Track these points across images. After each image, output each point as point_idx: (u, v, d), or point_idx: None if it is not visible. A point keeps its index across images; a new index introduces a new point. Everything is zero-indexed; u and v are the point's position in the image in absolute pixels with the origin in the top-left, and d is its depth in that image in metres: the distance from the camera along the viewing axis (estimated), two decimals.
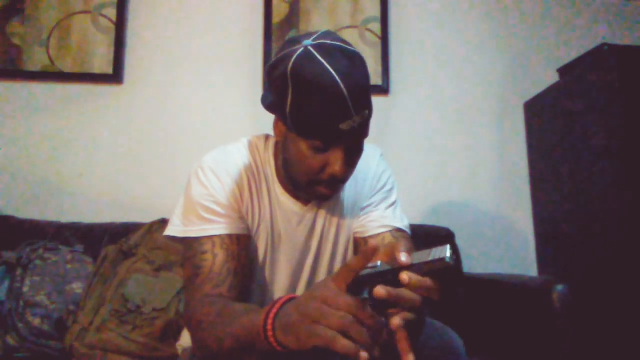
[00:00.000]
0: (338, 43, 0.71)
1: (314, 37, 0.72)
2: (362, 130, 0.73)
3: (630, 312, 1.33)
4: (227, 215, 0.80)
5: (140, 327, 1.22)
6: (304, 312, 0.50)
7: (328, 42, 0.70)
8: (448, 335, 0.74)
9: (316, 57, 0.68)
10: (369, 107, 0.72)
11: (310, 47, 0.69)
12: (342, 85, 0.66)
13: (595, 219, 1.49)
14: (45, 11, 1.76)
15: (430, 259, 0.48)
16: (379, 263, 0.52)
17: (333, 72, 0.67)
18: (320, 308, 0.48)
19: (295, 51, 0.70)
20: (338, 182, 0.77)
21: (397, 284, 0.49)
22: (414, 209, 1.80)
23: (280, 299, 0.57)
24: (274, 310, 0.55)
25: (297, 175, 0.79)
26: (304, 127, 0.72)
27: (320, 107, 0.68)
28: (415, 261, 0.49)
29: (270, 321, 0.54)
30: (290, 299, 0.56)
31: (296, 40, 0.72)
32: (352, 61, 0.70)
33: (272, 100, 0.76)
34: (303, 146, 0.74)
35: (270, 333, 0.54)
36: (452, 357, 0.71)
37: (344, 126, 0.69)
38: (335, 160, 0.73)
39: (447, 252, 0.48)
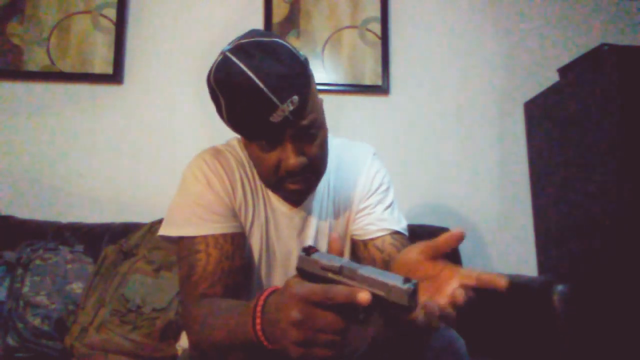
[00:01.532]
0: (255, 39, 0.70)
1: (233, 40, 0.72)
2: (298, 117, 0.70)
3: (631, 312, 1.33)
4: (220, 214, 0.80)
5: (140, 327, 1.22)
6: (277, 323, 0.52)
7: (244, 41, 0.70)
8: (450, 335, 0.74)
9: (231, 59, 0.68)
10: (297, 91, 0.69)
11: (227, 53, 0.70)
12: (256, 80, 0.66)
13: (595, 219, 1.49)
14: (45, 11, 1.76)
15: (389, 298, 0.48)
16: (344, 260, 0.53)
17: (246, 70, 0.67)
18: (287, 328, 0.51)
19: (216, 61, 0.71)
20: (300, 173, 0.75)
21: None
22: (414, 209, 1.80)
23: (260, 295, 0.58)
24: (259, 310, 0.56)
25: (264, 180, 0.80)
26: (242, 129, 0.72)
27: (245, 107, 0.68)
28: (375, 289, 0.49)
29: (258, 320, 0.56)
30: (273, 292, 0.57)
31: (220, 51, 0.73)
32: (267, 53, 0.69)
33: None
34: (254, 149, 0.75)
35: (259, 331, 0.56)
36: (455, 357, 0.71)
37: (274, 118, 0.68)
38: (286, 155, 0.72)
39: (406, 300, 0.47)
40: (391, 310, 0.49)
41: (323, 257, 0.54)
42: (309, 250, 0.55)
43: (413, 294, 0.47)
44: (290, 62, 0.70)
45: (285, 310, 0.51)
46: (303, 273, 0.54)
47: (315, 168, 0.78)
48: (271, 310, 0.54)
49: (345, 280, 0.51)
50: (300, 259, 0.55)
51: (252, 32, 0.73)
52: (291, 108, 0.68)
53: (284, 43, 0.72)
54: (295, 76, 0.70)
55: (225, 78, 0.68)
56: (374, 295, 0.48)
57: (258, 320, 0.56)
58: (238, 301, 0.68)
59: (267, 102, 0.67)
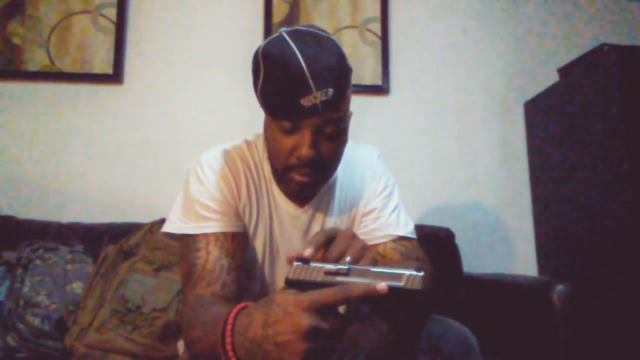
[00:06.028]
0: (311, 29, 0.74)
1: (293, 26, 0.76)
2: (327, 110, 0.71)
3: (631, 312, 1.33)
4: (222, 213, 0.80)
5: (140, 327, 1.22)
6: (270, 338, 0.49)
7: (302, 28, 0.74)
8: (464, 331, 0.76)
9: (284, 38, 0.72)
10: (334, 85, 0.70)
11: (283, 32, 0.74)
12: (301, 61, 0.69)
13: (595, 219, 1.49)
14: (45, 11, 1.76)
15: (407, 286, 0.52)
16: (348, 260, 0.57)
17: (295, 50, 0.70)
18: (291, 341, 0.48)
19: (271, 36, 0.75)
20: (309, 165, 0.75)
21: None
22: (414, 209, 1.80)
23: (230, 312, 0.55)
24: (229, 329, 0.53)
25: (274, 162, 0.80)
26: (269, 104, 0.74)
27: (281, 82, 0.70)
28: (389, 282, 0.52)
29: (228, 340, 0.53)
30: (243, 308, 0.55)
31: (279, 30, 0.77)
32: (320, 44, 0.72)
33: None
34: (274, 129, 0.76)
35: (230, 350, 0.52)
36: (468, 352, 0.73)
37: (304, 102, 0.69)
38: (302, 141, 0.73)
39: (421, 284, 0.52)
40: (403, 298, 0.53)
41: (321, 264, 0.55)
42: (305, 260, 0.55)
43: (424, 279, 0.53)
44: (337, 58, 0.72)
45: (288, 321, 0.48)
46: (297, 284, 0.53)
47: (323, 168, 0.78)
48: (254, 327, 0.51)
49: (354, 280, 0.53)
50: (295, 268, 0.54)
51: (313, 26, 0.77)
52: (323, 98, 0.70)
53: (339, 45, 0.75)
54: (337, 71, 0.72)
55: (272, 51, 0.71)
56: (389, 287, 0.52)
57: (228, 340, 0.52)
58: (222, 310, 0.63)
59: (304, 84, 0.69)
